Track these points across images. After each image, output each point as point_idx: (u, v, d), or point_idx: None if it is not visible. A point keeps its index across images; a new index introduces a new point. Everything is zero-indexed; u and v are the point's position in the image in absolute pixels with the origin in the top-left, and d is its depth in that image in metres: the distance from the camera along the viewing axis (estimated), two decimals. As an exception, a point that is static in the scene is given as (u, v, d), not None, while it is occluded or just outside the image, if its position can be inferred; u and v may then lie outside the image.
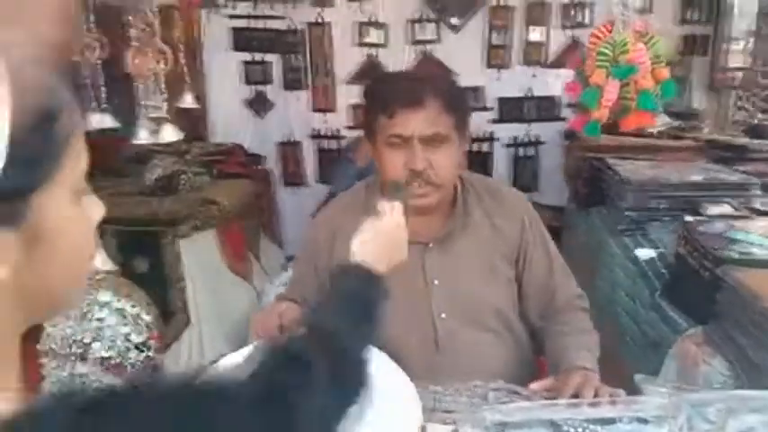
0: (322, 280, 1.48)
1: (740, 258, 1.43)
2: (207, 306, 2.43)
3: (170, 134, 1.67)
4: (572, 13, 3.32)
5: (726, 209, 1.93)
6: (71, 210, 0.57)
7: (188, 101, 2.00)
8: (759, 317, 1.22)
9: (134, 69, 1.65)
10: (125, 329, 1.08)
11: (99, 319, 1.06)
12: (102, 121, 1.68)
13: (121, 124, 1.82)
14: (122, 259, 2.35)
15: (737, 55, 3.12)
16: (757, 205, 1.98)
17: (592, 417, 0.96)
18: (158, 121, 1.67)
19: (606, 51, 1.45)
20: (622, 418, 0.94)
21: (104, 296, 1.08)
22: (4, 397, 0.55)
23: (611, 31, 1.47)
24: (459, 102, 1.43)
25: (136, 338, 1.11)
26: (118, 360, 1.06)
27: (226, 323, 2.53)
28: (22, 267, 0.53)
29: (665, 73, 1.50)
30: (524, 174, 3.53)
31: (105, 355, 1.05)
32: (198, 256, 2.45)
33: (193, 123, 3.53)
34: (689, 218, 1.81)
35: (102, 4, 1.58)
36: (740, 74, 3.10)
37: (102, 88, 1.68)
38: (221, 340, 2.46)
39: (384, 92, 1.37)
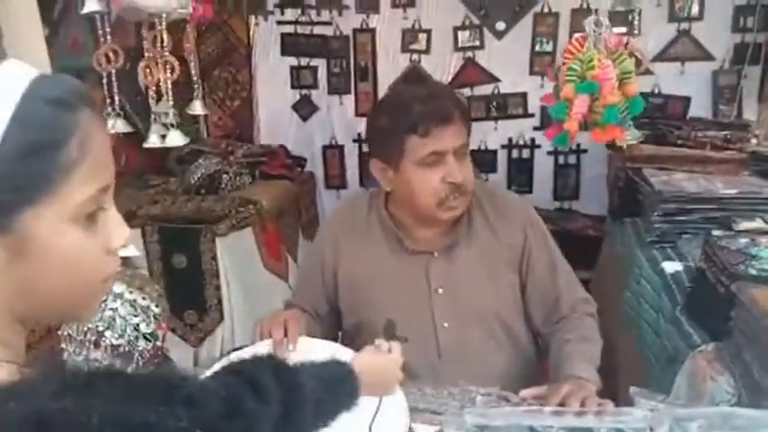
0: (328, 291, 1.54)
1: (757, 275, 1.40)
2: (240, 303, 2.52)
3: (175, 139, 1.76)
4: (618, 20, 3.27)
5: (758, 223, 1.88)
6: (70, 231, 0.61)
7: (197, 108, 2.09)
8: (766, 335, 1.20)
9: (145, 79, 1.75)
10: (135, 320, 1.15)
11: (112, 309, 1.14)
12: (116, 125, 1.79)
13: (135, 129, 1.93)
14: (163, 255, 2.49)
15: (793, 64, 3.01)
16: (793, 221, 1.92)
17: (570, 425, 0.97)
18: (167, 127, 1.77)
19: (575, 67, 1.47)
20: (601, 428, 0.95)
21: (119, 288, 1.17)
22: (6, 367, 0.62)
23: (583, 46, 1.49)
24: (468, 113, 1.47)
25: (145, 329, 1.18)
26: (127, 348, 1.14)
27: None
28: (6, 272, 0.60)
29: (633, 88, 1.51)
30: (566, 182, 3.49)
31: (116, 342, 1.13)
32: (234, 255, 2.54)
33: (243, 125, 3.67)
34: (716, 232, 1.78)
35: (118, 18, 1.69)
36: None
37: (116, 95, 1.79)
38: (253, 336, 2.55)
39: (412, 112, 1.39)
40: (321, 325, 1.55)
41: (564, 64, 1.52)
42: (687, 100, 3.21)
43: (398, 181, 1.44)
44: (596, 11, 1.56)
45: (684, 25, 3.17)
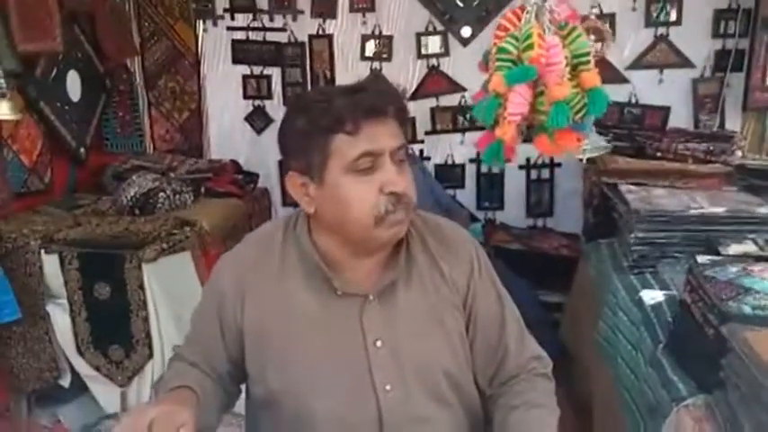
0: (231, 347, 1.21)
1: (752, 315, 1.16)
2: (173, 336, 2.23)
3: None
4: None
5: (749, 247, 1.65)
6: None
7: (3, 110, 1.77)
8: (765, 391, 0.95)
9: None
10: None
11: None
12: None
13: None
14: (84, 284, 2.21)
15: (778, 71, 2.80)
16: (787, 244, 1.69)
17: None
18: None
19: (509, 48, 1.15)
20: None
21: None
22: None
23: (521, 20, 1.19)
24: (407, 111, 1.19)
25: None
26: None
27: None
28: None
29: (593, 78, 1.17)
30: (539, 198, 3.26)
31: None
32: (166, 282, 2.26)
33: (192, 139, 3.40)
34: (702, 258, 1.54)
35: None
36: (780, 92, 2.77)
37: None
38: None
39: (335, 106, 1.08)
40: (219, 387, 1.22)
41: (495, 45, 1.20)
42: (666, 110, 3.00)
43: (324, 197, 1.12)
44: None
45: (662, 30, 2.96)
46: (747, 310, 1.18)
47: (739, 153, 2.62)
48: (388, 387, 1.14)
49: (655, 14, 2.97)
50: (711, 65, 2.95)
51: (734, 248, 1.63)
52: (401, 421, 1.14)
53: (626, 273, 1.88)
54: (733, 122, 2.95)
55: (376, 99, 1.11)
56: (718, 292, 1.26)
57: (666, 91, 3.01)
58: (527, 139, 3.11)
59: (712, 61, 2.95)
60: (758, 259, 1.50)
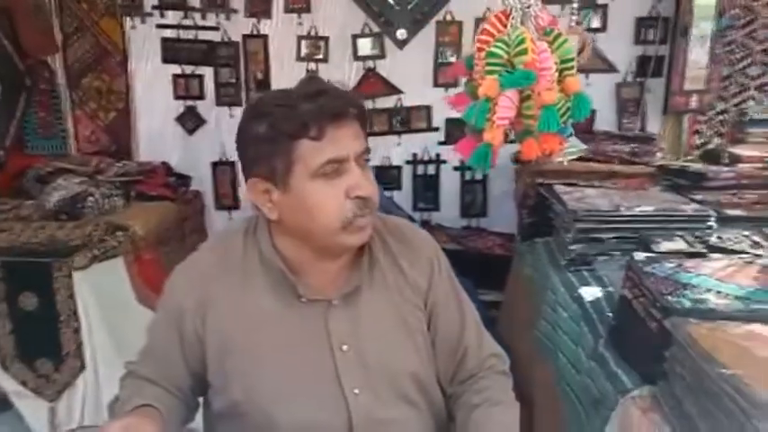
0: (192, 361, 1.17)
1: (692, 308, 1.22)
2: (107, 346, 2.15)
3: None
4: (523, 30, 3.15)
5: (679, 244, 1.74)
6: None
7: None
8: (713, 385, 1.01)
9: None
10: None
11: None
12: None
13: None
14: (8, 294, 2.09)
15: (694, 77, 2.97)
16: (713, 240, 1.79)
17: None
18: None
19: (499, 52, 1.18)
20: None
21: None
22: None
23: (506, 25, 1.22)
24: (366, 115, 1.19)
25: None
26: None
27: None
28: None
29: (576, 84, 1.23)
30: (473, 199, 3.33)
31: None
32: (97, 290, 2.17)
33: (120, 141, 3.27)
34: (638, 255, 1.61)
35: None
36: (696, 96, 2.95)
37: None
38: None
39: (299, 111, 1.06)
40: (180, 402, 1.18)
41: (480, 50, 1.22)
42: (592, 113, 3.13)
43: (288, 203, 1.10)
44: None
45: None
46: (687, 303, 1.24)
47: (660, 154, 2.78)
48: (356, 391, 1.14)
49: (579, 21, 3.10)
50: (633, 70, 3.10)
51: (665, 245, 1.72)
52: (371, 424, 1.14)
53: (563, 271, 1.94)
54: (653, 125, 3.11)
55: (339, 103, 1.10)
56: (658, 287, 1.32)
57: (592, 94, 3.12)
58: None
59: (634, 67, 3.10)
60: (689, 255, 1.58)
